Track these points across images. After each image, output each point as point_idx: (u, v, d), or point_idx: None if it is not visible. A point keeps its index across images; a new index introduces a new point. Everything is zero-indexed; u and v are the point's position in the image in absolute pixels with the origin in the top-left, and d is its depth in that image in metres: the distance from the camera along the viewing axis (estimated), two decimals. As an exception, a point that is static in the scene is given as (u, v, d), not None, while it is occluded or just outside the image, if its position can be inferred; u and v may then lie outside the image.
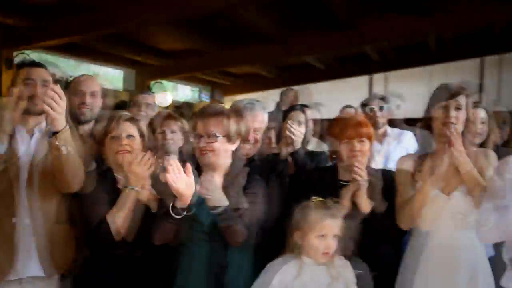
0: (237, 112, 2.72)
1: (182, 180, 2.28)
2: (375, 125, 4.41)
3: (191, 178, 2.33)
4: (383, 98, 4.66)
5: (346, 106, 5.15)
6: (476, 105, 3.26)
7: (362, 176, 2.59)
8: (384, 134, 4.48)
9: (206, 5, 5.67)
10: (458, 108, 2.57)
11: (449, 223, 2.60)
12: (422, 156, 2.68)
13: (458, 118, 2.59)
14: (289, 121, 3.43)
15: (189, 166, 2.35)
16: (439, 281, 2.60)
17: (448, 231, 2.61)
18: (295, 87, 7.09)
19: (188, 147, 3.07)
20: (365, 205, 2.60)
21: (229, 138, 2.50)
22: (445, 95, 2.60)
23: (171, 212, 2.33)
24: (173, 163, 2.30)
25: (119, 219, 2.56)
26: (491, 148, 3.15)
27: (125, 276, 2.63)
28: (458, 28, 7.69)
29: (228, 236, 2.44)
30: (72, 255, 2.71)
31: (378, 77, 11.30)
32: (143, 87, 8.38)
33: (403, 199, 2.59)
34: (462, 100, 2.60)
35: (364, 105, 4.60)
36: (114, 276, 2.63)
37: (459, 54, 9.68)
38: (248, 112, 2.97)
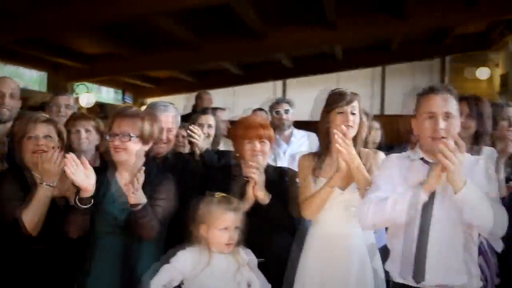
0: (151, 113, 2.81)
1: (80, 173, 2.35)
2: (282, 127, 4.68)
3: (90, 170, 2.40)
4: (288, 102, 4.86)
5: (257, 109, 5.24)
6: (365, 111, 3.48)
7: (256, 173, 2.69)
8: (290, 135, 4.68)
9: (125, 12, 5.63)
10: (353, 113, 2.68)
11: (343, 214, 2.72)
12: (321, 155, 2.79)
13: (354, 121, 2.71)
14: (191, 125, 3.50)
15: (85, 159, 2.42)
16: (324, 266, 2.73)
17: (341, 221, 2.75)
18: (211, 91, 7.17)
19: (105, 145, 3.08)
20: (263, 198, 2.70)
21: (142, 138, 2.55)
22: (342, 100, 2.70)
23: (78, 203, 2.39)
24: (70, 157, 2.36)
25: (34, 215, 2.54)
26: (372, 147, 3.37)
27: (43, 270, 2.63)
28: (359, 41, 8.22)
29: (143, 231, 2.49)
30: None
31: (290, 82, 11.73)
32: (63, 89, 8.23)
33: (305, 193, 2.73)
34: (356, 105, 2.72)
35: (272, 108, 4.79)
36: (32, 270, 2.61)
37: (359, 63, 10.42)
38: (161, 113, 3.02)
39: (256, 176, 2.68)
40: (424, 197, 2.27)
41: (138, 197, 2.39)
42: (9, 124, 3.25)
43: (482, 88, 10.56)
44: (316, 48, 8.86)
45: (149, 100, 11.21)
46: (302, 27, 7.39)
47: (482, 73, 10.49)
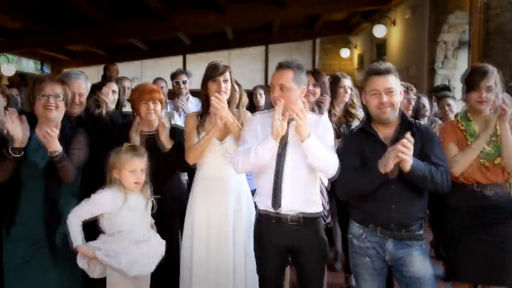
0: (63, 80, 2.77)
1: (18, 128, 2.41)
2: (180, 94, 4.87)
3: (26, 126, 2.46)
4: (186, 73, 5.06)
5: (158, 79, 5.36)
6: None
7: (154, 125, 2.90)
8: (187, 101, 4.86)
9: None
10: (225, 81, 2.81)
11: (221, 160, 2.84)
12: (202, 114, 2.92)
13: (226, 88, 2.82)
14: (101, 91, 3.53)
15: (24, 117, 2.48)
16: (208, 205, 2.87)
17: (219, 166, 2.87)
18: (122, 64, 7.47)
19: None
20: (167, 143, 2.87)
21: (66, 100, 2.62)
22: (216, 72, 2.82)
23: (10, 152, 2.40)
24: (10, 113, 2.45)
25: None
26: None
27: None
28: (245, 24, 8.78)
29: (62, 175, 2.52)
30: None
31: (189, 57, 11.83)
32: None
33: (188, 142, 2.85)
34: (227, 75, 2.84)
35: (172, 78, 4.99)
36: None
37: (247, 43, 10.85)
38: (74, 81, 3.06)
39: (162, 128, 2.86)
40: (274, 144, 2.43)
41: (55, 146, 2.42)
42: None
43: (345, 65, 11.35)
44: (210, 29, 9.17)
45: (65, 70, 11.32)
46: (198, 11, 7.77)
47: (344, 53, 11.17)
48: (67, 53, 11.05)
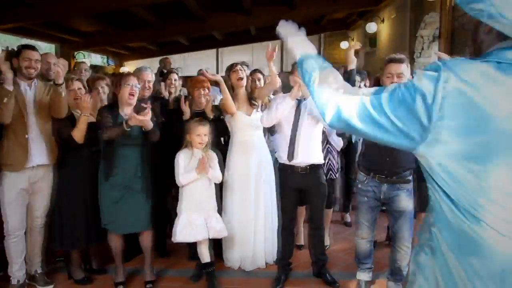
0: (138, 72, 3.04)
1: (147, 118, 2.54)
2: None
3: (150, 114, 2.54)
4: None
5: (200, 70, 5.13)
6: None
7: (202, 106, 2.96)
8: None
9: (114, 5, 5.89)
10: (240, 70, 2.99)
11: (250, 129, 3.02)
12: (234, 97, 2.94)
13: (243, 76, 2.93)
14: (170, 79, 3.66)
15: (149, 106, 2.56)
16: (241, 160, 3.04)
17: (250, 133, 3.04)
18: (169, 56, 7.41)
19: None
20: (210, 115, 2.89)
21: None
22: (235, 66, 2.96)
23: (125, 126, 2.53)
24: (147, 109, 2.51)
25: (79, 132, 2.72)
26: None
27: (86, 167, 2.85)
28: (265, 23, 8.63)
29: (152, 137, 2.69)
30: (58, 153, 2.83)
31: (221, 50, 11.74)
32: (68, 56, 8.24)
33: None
34: (240, 67, 2.96)
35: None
36: (80, 167, 2.85)
37: (267, 38, 10.54)
38: (144, 72, 3.21)
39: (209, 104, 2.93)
40: (292, 102, 2.61)
41: (149, 124, 2.61)
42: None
43: (344, 55, 11.71)
44: (238, 27, 9.15)
45: (126, 63, 11.23)
46: (228, 13, 7.81)
47: (343, 44, 10.91)
48: (127, 48, 11.14)
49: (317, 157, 2.81)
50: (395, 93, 0.95)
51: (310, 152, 2.75)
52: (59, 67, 2.59)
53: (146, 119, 2.52)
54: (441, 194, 0.95)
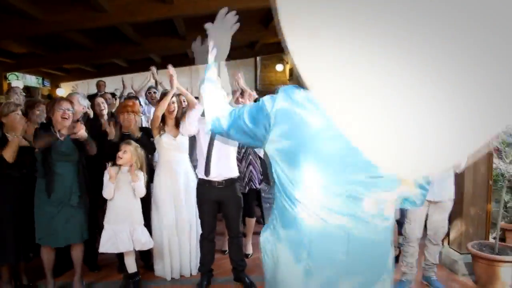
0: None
1: (81, 128, 2.82)
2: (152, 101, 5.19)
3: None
4: (155, 87, 5.55)
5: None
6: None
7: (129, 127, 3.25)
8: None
9: (46, 29, 5.56)
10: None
11: (174, 151, 3.20)
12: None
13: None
14: (97, 102, 3.90)
15: (80, 124, 2.87)
16: (166, 177, 3.19)
17: (174, 154, 3.22)
18: (106, 78, 7.40)
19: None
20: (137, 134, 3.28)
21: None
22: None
23: (57, 134, 2.67)
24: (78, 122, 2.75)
25: (9, 152, 2.76)
26: None
27: (16, 188, 2.91)
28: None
29: (89, 150, 2.89)
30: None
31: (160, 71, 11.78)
32: (0, 77, 7.95)
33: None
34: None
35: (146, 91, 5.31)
36: (9, 187, 2.87)
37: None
38: (72, 96, 3.40)
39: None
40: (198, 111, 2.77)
41: (83, 133, 2.87)
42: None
43: (280, 77, 11.52)
44: (175, 51, 9.12)
45: (63, 84, 10.89)
46: (164, 37, 7.87)
47: (279, 67, 11.31)
48: (63, 70, 10.86)
49: (232, 172, 3.01)
50: (251, 108, 1.28)
51: (225, 168, 2.93)
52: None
53: (80, 128, 2.70)
54: (276, 181, 1.22)
